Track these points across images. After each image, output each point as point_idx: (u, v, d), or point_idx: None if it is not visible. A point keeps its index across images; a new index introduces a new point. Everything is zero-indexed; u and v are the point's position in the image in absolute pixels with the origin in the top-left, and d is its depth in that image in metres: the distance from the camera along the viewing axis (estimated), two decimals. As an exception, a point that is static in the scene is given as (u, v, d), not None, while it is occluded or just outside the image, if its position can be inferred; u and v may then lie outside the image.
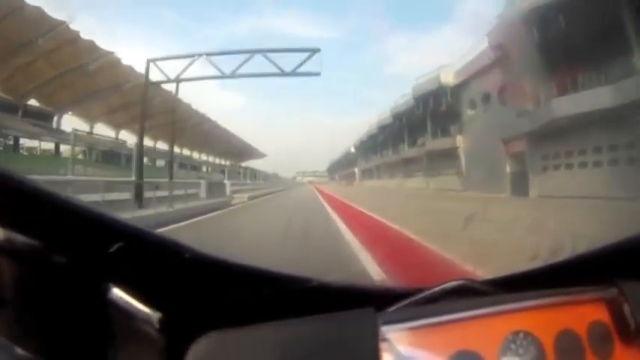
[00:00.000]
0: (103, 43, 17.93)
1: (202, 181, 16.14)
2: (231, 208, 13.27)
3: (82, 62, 18.11)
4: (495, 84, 18.17)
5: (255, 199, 17.79)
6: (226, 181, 19.65)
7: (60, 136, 21.23)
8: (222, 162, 43.87)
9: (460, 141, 21.98)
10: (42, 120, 21.29)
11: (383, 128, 31.39)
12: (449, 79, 22.48)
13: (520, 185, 16.21)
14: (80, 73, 18.72)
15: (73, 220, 0.37)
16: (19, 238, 0.36)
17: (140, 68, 16.98)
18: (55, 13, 16.13)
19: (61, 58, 17.89)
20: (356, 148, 45.56)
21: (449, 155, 22.16)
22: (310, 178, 79.11)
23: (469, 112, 21.48)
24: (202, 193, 14.41)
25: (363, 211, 10.01)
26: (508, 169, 17.85)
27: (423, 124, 24.42)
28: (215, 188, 15.89)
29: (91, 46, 17.51)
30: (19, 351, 0.40)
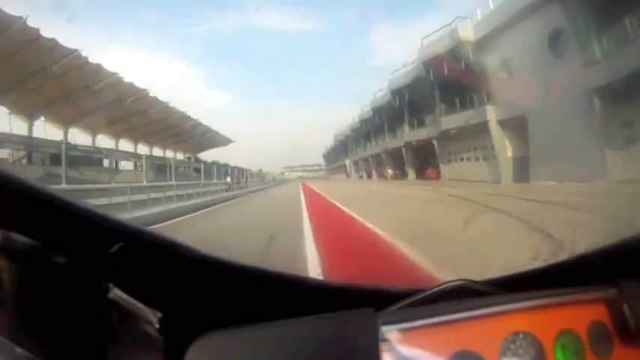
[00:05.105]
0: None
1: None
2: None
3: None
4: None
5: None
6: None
7: None
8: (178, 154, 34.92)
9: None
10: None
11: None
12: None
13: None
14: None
15: (72, 220, 0.37)
16: (19, 238, 0.36)
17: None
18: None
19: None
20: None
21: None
22: (300, 173, 68.89)
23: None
24: None
25: None
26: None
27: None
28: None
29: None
30: (19, 351, 0.40)
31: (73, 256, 0.38)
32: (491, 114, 16.90)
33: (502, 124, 16.68)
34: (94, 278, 0.40)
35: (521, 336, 0.45)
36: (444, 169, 22.04)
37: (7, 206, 0.34)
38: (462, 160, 20.77)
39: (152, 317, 0.40)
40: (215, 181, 21.10)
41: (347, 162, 40.67)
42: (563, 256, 0.62)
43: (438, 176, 22.17)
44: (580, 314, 0.49)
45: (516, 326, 0.45)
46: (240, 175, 28.25)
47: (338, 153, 48.28)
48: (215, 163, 26.76)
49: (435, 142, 22.08)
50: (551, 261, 0.60)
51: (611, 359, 0.47)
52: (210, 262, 0.43)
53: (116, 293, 0.40)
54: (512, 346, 0.44)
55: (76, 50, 18.22)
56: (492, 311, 0.46)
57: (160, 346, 0.41)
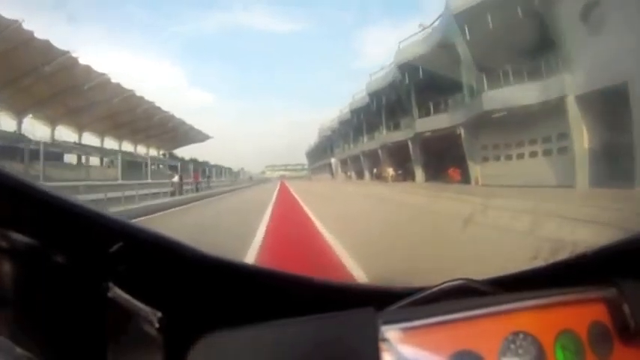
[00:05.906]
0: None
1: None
2: None
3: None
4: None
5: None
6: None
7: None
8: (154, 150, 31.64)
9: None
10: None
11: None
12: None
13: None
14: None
15: (72, 220, 0.37)
16: (19, 238, 0.36)
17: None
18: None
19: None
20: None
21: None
22: (281, 172, 66.79)
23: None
24: None
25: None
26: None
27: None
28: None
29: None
30: (19, 351, 0.40)
31: (73, 256, 0.38)
32: (571, 86, 10.64)
33: (581, 100, 10.52)
34: (94, 278, 0.40)
35: (521, 336, 0.45)
36: (475, 169, 15.37)
37: (6, 206, 0.34)
38: (508, 157, 14.18)
39: (152, 317, 0.40)
40: (150, 180, 15.79)
41: (333, 160, 33.82)
42: (562, 256, 0.61)
43: (462, 178, 16.06)
44: (580, 314, 0.49)
45: (516, 326, 0.45)
46: (198, 173, 21.62)
47: (322, 150, 40.92)
48: (161, 159, 21.73)
49: (461, 133, 15.25)
50: (551, 261, 0.60)
51: (611, 359, 0.47)
52: (210, 262, 0.43)
53: (116, 293, 0.40)
54: (512, 346, 0.44)
55: (16, 21, 15.30)
56: (492, 311, 0.46)
57: (159, 345, 0.41)
